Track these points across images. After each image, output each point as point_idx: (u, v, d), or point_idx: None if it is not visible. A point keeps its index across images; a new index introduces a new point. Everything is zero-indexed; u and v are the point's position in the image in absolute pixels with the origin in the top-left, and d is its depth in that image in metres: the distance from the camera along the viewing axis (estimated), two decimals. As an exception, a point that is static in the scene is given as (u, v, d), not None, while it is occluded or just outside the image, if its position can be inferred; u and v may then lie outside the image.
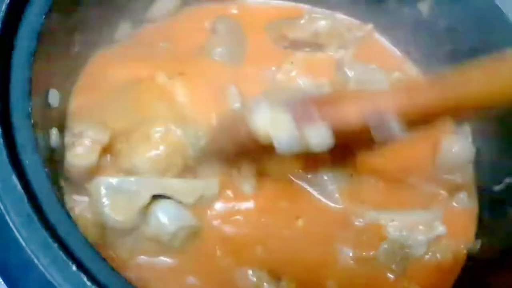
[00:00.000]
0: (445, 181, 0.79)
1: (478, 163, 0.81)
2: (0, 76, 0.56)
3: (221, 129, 0.64)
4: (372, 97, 0.53)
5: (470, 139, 0.82)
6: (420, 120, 0.52)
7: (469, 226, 0.78)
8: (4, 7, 0.57)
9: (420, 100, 0.51)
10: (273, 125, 0.54)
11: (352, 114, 0.52)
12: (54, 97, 0.67)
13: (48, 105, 0.66)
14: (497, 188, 0.77)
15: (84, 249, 0.50)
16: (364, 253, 0.70)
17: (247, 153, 0.61)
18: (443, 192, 0.78)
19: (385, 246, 0.70)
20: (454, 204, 0.78)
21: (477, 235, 0.76)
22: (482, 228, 0.77)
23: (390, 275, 0.70)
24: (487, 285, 0.70)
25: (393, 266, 0.70)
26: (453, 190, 0.79)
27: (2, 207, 0.49)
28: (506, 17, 0.74)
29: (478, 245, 0.75)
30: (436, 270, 0.73)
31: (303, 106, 0.53)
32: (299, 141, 0.53)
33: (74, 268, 0.48)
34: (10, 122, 0.54)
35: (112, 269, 0.51)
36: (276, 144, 0.54)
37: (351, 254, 0.69)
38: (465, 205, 0.78)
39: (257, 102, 0.57)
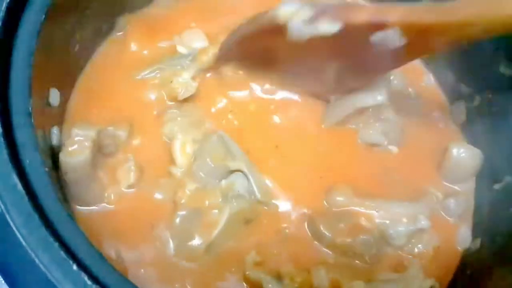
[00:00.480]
0: (444, 186, 0.79)
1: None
2: (0, 75, 0.56)
3: (248, 24, 0.74)
4: (382, 10, 0.64)
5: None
6: (418, 37, 0.62)
7: (458, 226, 0.77)
8: (4, 5, 0.57)
9: (421, 19, 0.61)
10: (293, 15, 0.66)
11: (360, 18, 0.64)
12: (54, 96, 0.68)
13: (48, 104, 0.66)
14: (497, 186, 0.77)
15: (84, 248, 0.51)
16: (339, 240, 0.70)
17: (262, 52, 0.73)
18: (438, 193, 0.78)
19: (364, 237, 0.70)
20: (446, 204, 0.77)
21: (477, 233, 0.76)
22: (482, 226, 0.77)
23: (360, 264, 0.71)
24: (486, 283, 0.70)
25: (367, 258, 0.71)
26: (449, 194, 0.78)
27: (2, 206, 0.49)
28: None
29: (477, 243, 0.75)
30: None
31: (324, 7, 0.65)
32: (310, 29, 0.65)
33: (74, 267, 0.48)
34: (10, 121, 0.55)
35: (112, 267, 0.51)
36: (289, 29, 0.66)
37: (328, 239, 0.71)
38: (457, 208, 0.77)
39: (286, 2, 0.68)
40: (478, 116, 0.82)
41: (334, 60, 0.70)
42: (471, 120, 0.83)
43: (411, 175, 0.79)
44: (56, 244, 0.49)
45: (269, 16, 0.68)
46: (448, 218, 0.77)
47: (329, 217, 0.72)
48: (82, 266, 0.49)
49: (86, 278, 0.48)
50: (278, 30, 0.66)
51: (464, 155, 0.77)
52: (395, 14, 0.62)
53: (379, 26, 0.62)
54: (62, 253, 0.48)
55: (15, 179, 0.51)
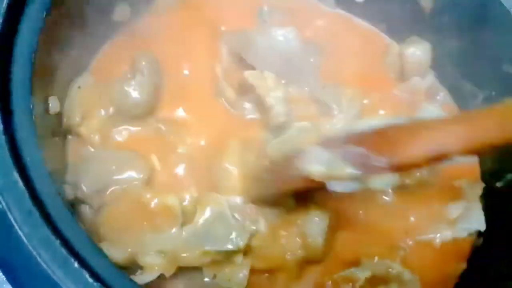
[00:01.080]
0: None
1: (480, 160, 0.81)
2: (1, 73, 0.56)
3: (271, 168, 0.64)
4: (432, 133, 0.50)
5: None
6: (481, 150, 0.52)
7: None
8: (5, 2, 0.56)
9: (481, 133, 0.48)
10: (331, 174, 0.52)
11: (416, 155, 0.49)
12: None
13: (48, 103, 0.66)
14: (499, 184, 0.77)
15: (85, 246, 0.50)
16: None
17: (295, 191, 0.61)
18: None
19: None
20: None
21: (479, 232, 0.76)
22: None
23: None
24: (488, 282, 0.70)
25: None
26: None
27: (3, 204, 0.49)
28: (509, 13, 0.74)
29: (479, 242, 0.75)
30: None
31: (364, 157, 0.50)
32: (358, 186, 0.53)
33: (76, 264, 0.48)
34: (11, 118, 0.54)
35: (114, 266, 0.51)
36: (331, 188, 0.53)
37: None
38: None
39: (311, 151, 0.55)
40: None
41: None
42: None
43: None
44: (58, 242, 0.49)
45: (300, 172, 0.55)
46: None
47: None
48: (84, 264, 0.49)
49: (87, 276, 0.48)
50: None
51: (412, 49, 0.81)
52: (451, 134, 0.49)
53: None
54: (64, 251, 0.48)
55: (16, 176, 0.51)
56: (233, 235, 0.62)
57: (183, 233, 0.62)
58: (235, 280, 0.64)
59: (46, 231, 0.49)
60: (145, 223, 0.63)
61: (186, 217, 0.65)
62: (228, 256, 0.64)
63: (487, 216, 0.77)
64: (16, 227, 0.49)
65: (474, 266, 0.74)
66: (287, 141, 0.67)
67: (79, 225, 0.53)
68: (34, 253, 0.48)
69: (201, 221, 0.63)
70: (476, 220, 0.71)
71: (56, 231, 0.50)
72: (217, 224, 0.63)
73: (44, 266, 0.48)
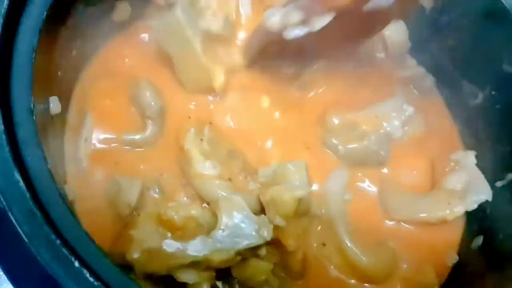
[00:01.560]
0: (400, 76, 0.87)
1: (481, 159, 0.81)
2: (1, 73, 0.56)
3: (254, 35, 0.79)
4: None
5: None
6: None
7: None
8: (6, 1, 0.56)
9: None
10: (284, 24, 0.69)
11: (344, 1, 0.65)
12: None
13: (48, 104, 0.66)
14: (499, 184, 0.77)
15: (86, 245, 0.51)
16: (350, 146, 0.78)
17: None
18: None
19: (373, 137, 0.78)
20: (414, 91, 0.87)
21: (480, 231, 0.76)
22: (485, 223, 0.77)
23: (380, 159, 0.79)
24: (490, 282, 0.70)
25: (382, 152, 0.79)
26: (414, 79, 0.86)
27: (4, 203, 0.49)
28: (509, 12, 0.74)
29: (479, 241, 0.75)
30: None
31: (310, 5, 0.67)
32: (306, 30, 0.68)
33: (76, 263, 0.48)
34: (12, 118, 0.54)
35: (114, 265, 0.51)
36: (285, 36, 0.68)
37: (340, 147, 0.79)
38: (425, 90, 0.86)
39: (272, 10, 0.71)
40: (481, 113, 0.81)
41: (335, 35, 0.71)
42: (474, 117, 0.83)
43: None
44: (58, 241, 0.49)
45: (265, 30, 0.71)
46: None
47: (338, 133, 0.79)
48: (84, 263, 0.49)
49: (87, 275, 0.48)
50: (279, 35, 0.70)
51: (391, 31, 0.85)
52: None
53: None
54: (64, 250, 0.49)
55: (17, 176, 0.51)
56: (258, 229, 0.64)
57: (212, 239, 0.63)
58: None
59: (47, 231, 0.49)
60: (171, 236, 0.64)
61: (207, 222, 0.66)
62: (254, 251, 0.66)
63: (488, 215, 0.77)
64: (17, 226, 0.49)
65: (475, 266, 0.74)
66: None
67: (80, 224, 0.53)
68: (35, 252, 0.48)
69: (225, 224, 0.64)
70: (482, 191, 0.75)
71: (57, 231, 0.50)
72: (241, 223, 0.65)
73: (45, 265, 0.48)
